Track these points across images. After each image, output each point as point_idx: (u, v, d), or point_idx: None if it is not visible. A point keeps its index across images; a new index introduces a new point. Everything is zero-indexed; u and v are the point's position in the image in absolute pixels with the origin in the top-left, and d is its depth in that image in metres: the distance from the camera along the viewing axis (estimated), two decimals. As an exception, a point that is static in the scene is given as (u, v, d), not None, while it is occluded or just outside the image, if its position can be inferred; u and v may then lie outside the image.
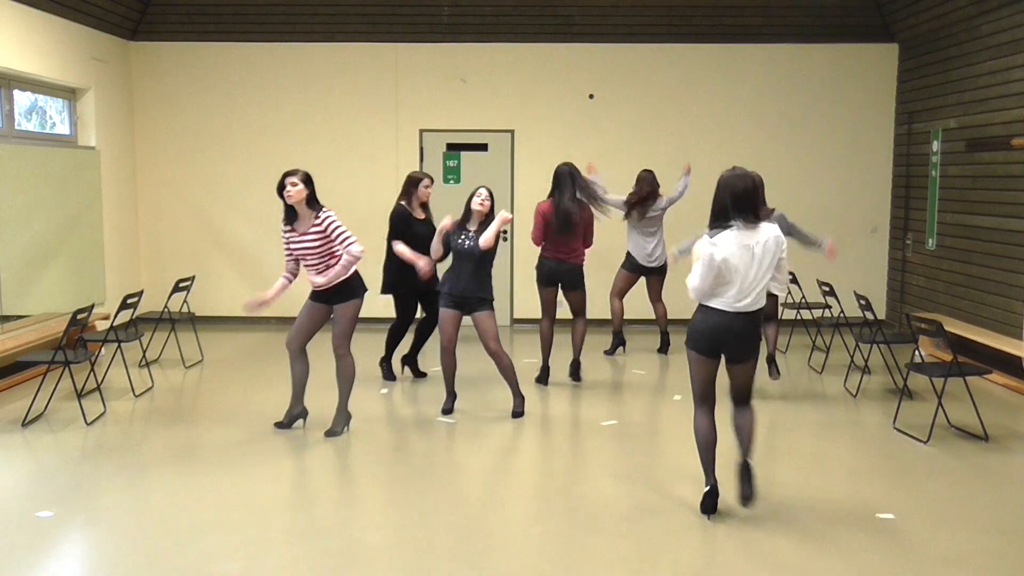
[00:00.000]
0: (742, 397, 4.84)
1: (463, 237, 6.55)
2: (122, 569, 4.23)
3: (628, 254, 8.76)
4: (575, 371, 7.84)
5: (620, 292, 8.85)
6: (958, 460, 5.83)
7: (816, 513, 4.89)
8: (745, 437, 4.82)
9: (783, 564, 4.30)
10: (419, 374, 7.90)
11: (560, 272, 7.49)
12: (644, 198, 8.54)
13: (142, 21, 10.26)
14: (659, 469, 5.68)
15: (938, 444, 6.08)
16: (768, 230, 4.60)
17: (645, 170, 8.69)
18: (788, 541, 4.55)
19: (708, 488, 4.74)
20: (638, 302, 9.17)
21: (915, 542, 4.54)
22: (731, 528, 4.70)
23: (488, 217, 6.58)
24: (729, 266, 4.51)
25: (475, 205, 6.57)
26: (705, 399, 4.76)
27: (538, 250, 7.59)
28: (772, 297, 7.57)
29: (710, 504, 4.76)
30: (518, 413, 6.71)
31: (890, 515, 4.85)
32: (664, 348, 9.05)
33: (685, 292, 4.73)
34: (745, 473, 4.77)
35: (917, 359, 7.01)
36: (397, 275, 7.43)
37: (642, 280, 8.85)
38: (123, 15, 9.87)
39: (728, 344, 4.66)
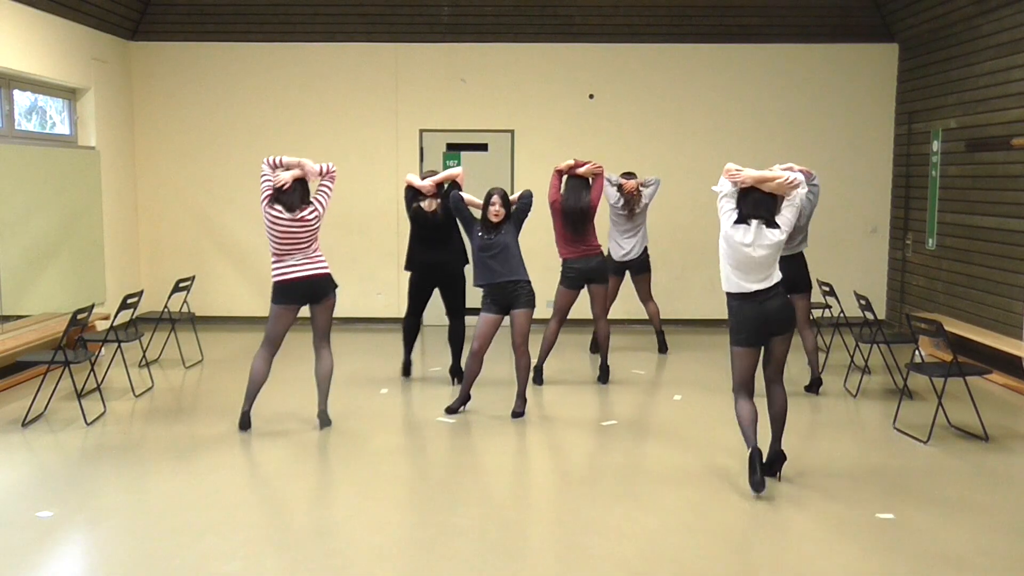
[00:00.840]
0: (777, 373, 5.27)
1: (487, 233, 6.62)
2: (122, 569, 4.23)
3: (609, 256, 8.63)
4: (606, 374, 7.80)
5: (610, 296, 8.81)
6: (958, 460, 5.83)
7: (816, 513, 4.89)
8: (780, 422, 5.28)
9: (783, 564, 4.30)
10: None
11: (589, 268, 7.52)
12: (634, 205, 8.53)
13: (142, 21, 10.26)
14: (660, 469, 5.68)
15: (938, 444, 6.08)
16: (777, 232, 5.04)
17: (626, 175, 8.63)
18: (788, 541, 4.56)
19: (752, 449, 5.04)
20: (637, 302, 9.16)
21: (915, 542, 4.54)
22: (731, 529, 4.70)
23: (505, 220, 6.65)
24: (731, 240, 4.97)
25: (491, 216, 6.63)
26: (746, 387, 5.16)
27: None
28: (805, 294, 7.41)
29: (759, 464, 5.01)
30: (518, 413, 6.71)
31: (890, 515, 4.85)
32: (663, 348, 9.05)
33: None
34: (779, 459, 5.28)
35: (917, 359, 7.01)
36: (409, 251, 7.58)
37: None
38: (123, 15, 9.87)
39: (768, 326, 5.09)
